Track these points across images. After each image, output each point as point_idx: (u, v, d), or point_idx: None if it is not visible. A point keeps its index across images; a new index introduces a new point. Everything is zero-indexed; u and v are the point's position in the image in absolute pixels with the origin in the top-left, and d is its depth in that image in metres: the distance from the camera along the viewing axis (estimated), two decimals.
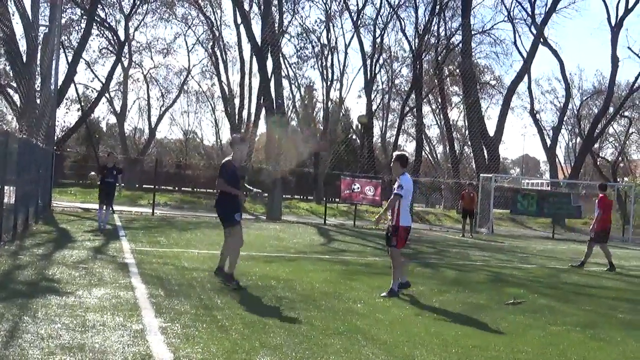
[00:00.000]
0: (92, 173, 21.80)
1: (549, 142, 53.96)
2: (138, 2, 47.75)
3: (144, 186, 48.50)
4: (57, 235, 17.35)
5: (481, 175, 36.19)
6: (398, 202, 10.88)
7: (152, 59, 58.52)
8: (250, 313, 8.49)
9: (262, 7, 37.74)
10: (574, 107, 61.94)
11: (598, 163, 63.25)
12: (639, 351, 7.90)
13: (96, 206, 20.39)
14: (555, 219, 37.35)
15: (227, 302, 9.15)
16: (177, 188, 54.08)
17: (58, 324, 7.11)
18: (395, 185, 11.14)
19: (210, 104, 64.96)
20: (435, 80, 53.06)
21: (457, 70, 50.00)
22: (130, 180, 49.38)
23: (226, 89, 54.91)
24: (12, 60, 34.65)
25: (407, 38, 53.41)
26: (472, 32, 46.76)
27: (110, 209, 20.28)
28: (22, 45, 33.60)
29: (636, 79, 47.84)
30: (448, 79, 55.29)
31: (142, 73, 60.04)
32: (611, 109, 50.55)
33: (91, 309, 7.99)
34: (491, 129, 45.16)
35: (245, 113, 55.21)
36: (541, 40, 45.71)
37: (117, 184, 19.71)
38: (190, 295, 9.49)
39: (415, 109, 53.91)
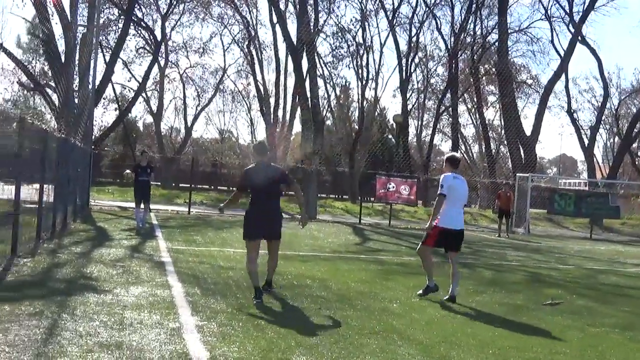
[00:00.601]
0: (127, 171, 21.84)
1: (586, 141, 53.37)
2: (175, 2, 48.06)
3: (180, 185, 48.80)
4: (95, 234, 17.51)
5: (518, 174, 35.88)
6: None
7: (188, 58, 58.88)
8: (286, 312, 8.50)
9: (298, 6, 37.71)
10: (612, 106, 61.31)
11: (637, 163, 62.44)
12: None
13: (133, 205, 20.54)
14: (593, 219, 36.91)
15: (263, 301, 9.16)
16: (212, 187, 54.36)
17: (96, 321, 7.17)
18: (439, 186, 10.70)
19: (246, 103, 65.15)
20: (471, 79, 52.78)
21: (493, 69, 49.59)
22: (167, 179, 49.70)
23: (261, 88, 54.99)
24: (51, 60, 35.10)
25: (442, 37, 53.34)
26: (509, 31, 46.40)
27: (148, 207, 20.27)
28: (61, 46, 34.03)
29: None
30: (484, 78, 54.86)
31: (179, 72, 60.40)
32: None
33: (128, 307, 8.05)
34: (528, 128, 44.86)
35: (280, 112, 55.36)
36: (579, 38, 45.22)
37: (151, 182, 19.80)
38: (226, 294, 9.52)
39: (450, 108, 53.73)
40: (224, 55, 64.36)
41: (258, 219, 9.71)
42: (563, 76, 48.34)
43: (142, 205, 19.54)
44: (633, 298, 12.50)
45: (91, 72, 26.76)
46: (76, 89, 26.85)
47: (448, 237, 10.51)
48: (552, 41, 59.69)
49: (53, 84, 37.36)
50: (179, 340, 6.65)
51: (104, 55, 41.24)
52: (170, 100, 65.26)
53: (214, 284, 10.39)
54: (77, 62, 27.80)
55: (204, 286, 10.04)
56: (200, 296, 9.20)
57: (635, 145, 59.50)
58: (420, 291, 10.64)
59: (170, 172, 52.42)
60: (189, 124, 62.52)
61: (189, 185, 36.79)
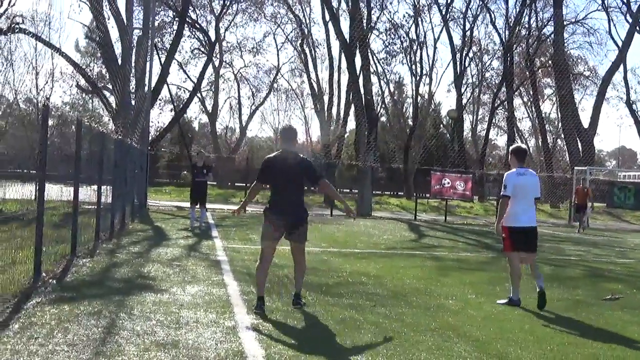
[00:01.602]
0: (185, 172, 22.08)
1: None
2: (228, 3, 48.43)
3: (236, 184, 49.13)
4: (152, 234, 17.72)
5: (575, 168, 35.34)
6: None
7: (242, 58, 59.55)
8: (341, 309, 8.48)
9: (351, 3, 37.70)
10: None
11: None
12: None
13: (188, 205, 20.72)
14: None
15: (318, 298, 9.16)
16: (268, 186, 54.49)
17: (153, 320, 7.25)
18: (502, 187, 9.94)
19: (300, 102, 65.50)
20: (527, 73, 52.11)
21: (549, 62, 48.93)
22: (223, 179, 50.09)
23: (315, 86, 55.21)
24: (108, 63, 35.67)
25: (497, 30, 52.78)
26: (565, 23, 45.70)
27: (204, 207, 20.29)
28: (117, 49, 34.57)
29: None
30: (540, 71, 54.15)
31: (233, 72, 60.94)
32: None
33: (185, 306, 8.12)
34: (585, 121, 44.16)
35: (334, 110, 55.42)
36: (637, 28, 44.33)
37: (208, 182, 19.90)
38: (281, 292, 9.53)
39: (506, 102, 53.07)
40: (278, 54, 64.80)
41: (279, 217, 8.39)
42: (621, 67, 47.59)
43: (197, 206, 19.61)
44: None
45: (147, 74, 27.08)
46: (133, 90, 27.24)
47: (519, 236, 9.63)
48: (609, 32, 59.12)
49: (110, 87, 37.99)
50: (234, 339, 6.68)
51: (159, 57, 41.68)
52: (225, 100, 65.85)
53: (269, 282, 10.35)
54: (133, 64, 28.20)
55: None
56: (256, 295, 9.23)
57: None
58: (502, 301, 9.74)
59: (225, 171, 52.77)
60: (244, 123, 63.12)
61: (244, 185, 36.99)
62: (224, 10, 48.81)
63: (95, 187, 13.75)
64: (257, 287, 8.34)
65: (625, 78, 51.83)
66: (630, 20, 44.51)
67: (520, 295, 9.61)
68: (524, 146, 10.68)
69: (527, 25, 50.16)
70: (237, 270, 11.54)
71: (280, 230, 8.40)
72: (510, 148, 10.41)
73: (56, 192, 12.42)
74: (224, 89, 62.83)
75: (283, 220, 8.37)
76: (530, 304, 9.55)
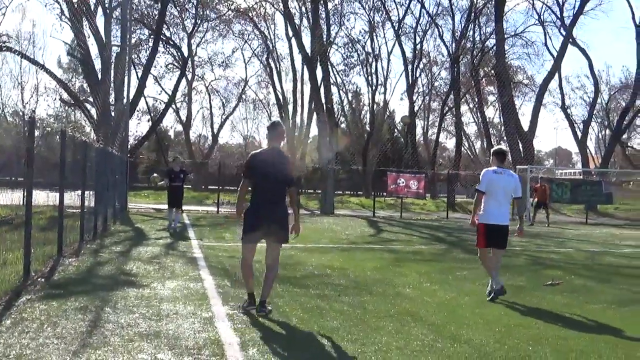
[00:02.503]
0: (155, 175, 21.50)
1: (580, 134, 53.01)
2: (199, 21, 48.21)
3: (209, 187, 48.88)
4: (132, 234, 17.57)
5: (517, 167, 35.68)
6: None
7: (212, 72, 59.99)
8: (308, 299, 8.49)
9: (311, 20, 37.73)
10: (603, 102, 60.89)
11: (627, 152, 62.01)
12: None
13: (166, 207, 20.55)
14: (588, 205, 36.81)
15: (288, 290, 9.15)
16: (239, 188, 54.23)
17: (136, 313, 7.19)
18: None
19: (267, 111, 65.20)
20: (472, 82, 52.51)
21: (492, 72, 49.33)
22: (197, 183, 49.84)
23: (280, 96, 55.13)
24: (89, 78, 35.31)
25: (445, 44, 53.11)
26: (505, 36, 46.09)
27: (180, 210, 19.61)
28: (97, 64, 34.26)
29: None
30: (484, 79, 54.57)
31: (205, 85, 60.73)
32: (638, 102, 49.41)
33: (165, 300, 8.07)
34: (525, 124, 44.53)
35: (298, 118, 55.45)
36: (570, 40, 44.93)
37: (184, 186, 19.23)
38: (253, 284, 9.51)
39: (454, 109, 53.44)
40: (246, 67, 64.47)
41: (260, 216, 7.58)
42: (556, 75, 48.18)
43: (174, 209, 19.01)
44: (628, 276, 12.40)
45: (125, 88, 26.88)
46: (112, 103, 27.02)
47: (492, 233, 9.30)
48: (545, 44, 59.82)
49: (91, 100, 37.62)
50: (211, 329, 6.65)
51: (136, 72, 41.46)
52: (198, 110, 65.59)
53: (237, 276, 10.38)
54: (112, 78, 27.99)
55: (233, 278, 10.03)
56: (230, 287, 9.21)
57: (624, 136, 59.05)
58: (488, 297, 9.12)
59: (199, 175, 52.50)
60: (215, 131, 62.90)
61: (217, 187, 36.81)
62: (195, 28, 48.51)
63: (79, 192, 13.60)
64: (246, 284, 7.78)
65: (560, 85, 52.56)
66: (564, 33, 45.09)
67: (502, 282, 9.16)
68: (504, 148, 10.35)
69: (471, 39, 50.55)
70: (212, 266, 11.49)
71: (262, 230, 7.60)
72: (492, 150, 9.99)
73: (43, 197, 12.27)
74: (196, 100, 62.64)
75: (264, 219, 7.56)
76: (479, 291, 9.63)
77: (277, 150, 7.84)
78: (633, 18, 43.52)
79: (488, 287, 9.33)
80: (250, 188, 7.79)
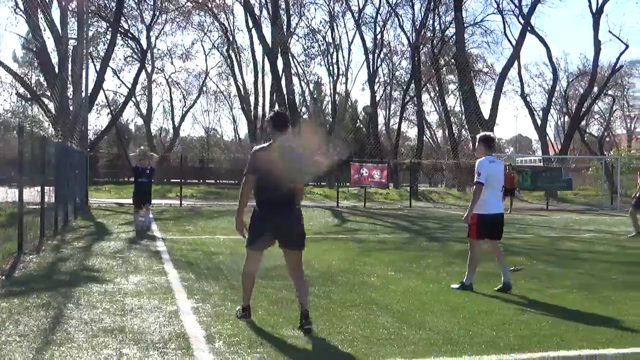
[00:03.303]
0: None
1: (539, 122, 53.62)
2: (158, 13, 47.73)
3: (172, 180, 48.57)
4: (94, 229, 17.39)
5: None
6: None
7: (172, 64, 59.12)
8: (274, 290, 8.49)
9: (271, 11, 37.60)
10: (561, 89, 61.61)
11: (585, 139, 62.93)
12: (631, 309, 7.84)
13: (129, 201, 20.30)
14: (548, 191, 37.32)
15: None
16: (201, 181, 54.10)
17: (99, 309, 7.13)
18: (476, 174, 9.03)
19: (228, 103, 65.02)
20: (433, 71, 52.84)
21: (452, 61, 49.67)
22: (159, 176, 49.54)
23: (242, 88, 54.95)
24: (46, 72, 34.81)
25: (405, 33, 53.35)
26: (465, 25, 46.46)
27: (149, 208, 17.22)
28: (54, 58, 33.77)
29: (617, 59, 47.68)
30: (444, 68, 54.91)
31: (165, 77, 60.22)
32: (596, 89, 50.17)
33: (129, 294, 8.01)
34: (486, 112, 44.95)
35: (260, 109, 55.21)
36: (529, 29, 45.34)
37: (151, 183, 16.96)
38: (218, 277, 9.49)
39: (415, 98, 53.78)
40: (206, 59, 64.02)
41: (268, 219, 6.66)
42: (516, 63, 48.53)
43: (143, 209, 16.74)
44: (588, 261, 12.61)
45: (83, 81, 26.52)
46: (70, 97, 26.66)
47: (489, 224, 8.86)
48: (504, 32, 60.28)
49: (49, 94, 37.10)
50: (176, 322, 6.62)
51: (94, 65, 40.98)
52: (159, 103, 65.12)
53: (206, 269, 10.35)
54: (69, 72, 27.61)
55: (197, 271, 10.00)
56: (194, 281, 9.17)
57: (583, 123, 59.87)
58: (455, 285, 9.04)
59: (161, 169, 52.16)
60: (177, 124, 62.46)
61: (179, 180, 36.61)
62: (154, 20, 47.99)
63: (38, 188, 13.42)
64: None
65: (519, 74, 53.00)
66: (522, 22, 45.49)
67: (472, 281, 8.95)
68: (492, 134, 9.88)
69: (431, 28, 50.86)
70: (176, 259, 11.41)
71: (268, 236, 6.72)
72: (479, 136, 9.48)
73: (2, 194, 12.09)
74: (157, 93, 62.18)
75: (272, 224, 6.65)
76: (443, 278, 9.72)
77: (287, 144, 6.77)
78: (590, 6, 44.11)
79: (465, 279, 9.00)
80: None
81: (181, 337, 6.05)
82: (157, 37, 52.86)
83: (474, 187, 8.99)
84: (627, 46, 49.76)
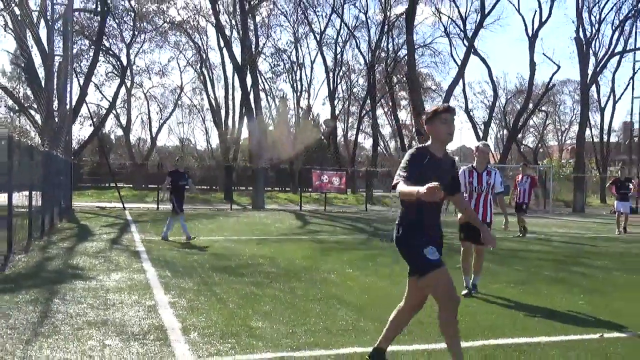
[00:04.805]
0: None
1: (481, 134, 54.21)
2: (137, 32, 47.33)
3: (150, 186, 48.07)
4: (78, 231, 17.16)
5: None
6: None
7: (150, 79, 58.22)
8: (243, 286, 8.48)
9: (241, 32, 37.46)
10: (501, 105, 62.27)
11: (522, 150, 63.86)
12: (563, 301, 8.00)
13: (110, 205, 20.08)
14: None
15: (224, 278, 9.13)
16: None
17: (84, 304, 7.07)
18: (495, 181, 8.83)
19: (201, 115, 64.34)
20: (386, 88, 53.14)
21: (404, 78, 50.02)
22: (138, 182, 49.07)
23: (213, 102, 54.49)
24: (32, 86, 34.24)
25: (362, 53, 53.55)
26: (415, 47, 46.77)
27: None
28: (41, 73, 33.23)
29: (550, 79, 48.43)
30: (397, 86, 55.24)
31: (143, 92, 59.48)
32: (531, 105, 50.83)
33: (111, 290, 7.95)
34: None
35: (230, 121, 55.04)
36: (472, 50, 45.86)
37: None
38: (192, 274, 9.45)
39: (370, 112, 54.04)
40: (181, 75, 63.61)
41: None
42: (460, 82, 49.06)
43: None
44: (524, 259, 12.79)
45: (68, 95, 26.17)
46: (55, 109, 26.27)
47: (465, 227, 8.42)
48: (450, 54, 60.56)
49: (35, 106, 36.53)
50: (155, 315, 6.59)
51: (78, 80, 40.45)
52: (137, 116, 64.88)
53: (182, 267, 10.30)
54: (55, 86, 27.21)
55: (173, 269, 9.95)
56: (171, 277, 9.12)
57: (520, 135, 60.71)
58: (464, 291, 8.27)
59: (140, 175, 51.62)
60: (154, 134, 61.84)
61: (156, 186, 36.30)
62: (134, 39, 47.53)
63: (26, 192, 13.22)
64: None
65: (464, 91, 53.62)
66: (466, 44, 46.00)
67: (471, 283, 8.49)
68: (488, 144, 9.40)
69: (385, 49, 51.20)
70: (154, 258, 11.33)
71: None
72: (476, 145, 9.06)
73: None
74: (135, 106, 61.61)
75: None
76: (396, 275, 9.78)
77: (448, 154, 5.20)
78: (526, 31, 44.74)
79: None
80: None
81: (159, 329, 6.03)
82: (136, 55, 52.20)
83: (502, 195, 9.11)
84: (558, 67, 50.83)
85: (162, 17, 48.06)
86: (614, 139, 66.14)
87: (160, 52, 78.60)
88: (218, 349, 5.41)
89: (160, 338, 5.70)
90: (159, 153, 70.16)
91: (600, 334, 6.23)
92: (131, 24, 46.35)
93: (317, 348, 5.53)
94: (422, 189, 3.92)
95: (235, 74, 42.64)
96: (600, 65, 45.79)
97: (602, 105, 58.51)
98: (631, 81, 49.90)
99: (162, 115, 61.82)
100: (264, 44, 50.34)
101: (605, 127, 59.10)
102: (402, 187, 4.34)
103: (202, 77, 54.90)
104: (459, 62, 46.85)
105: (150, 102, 61.09)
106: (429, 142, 4.67)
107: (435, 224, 4.96)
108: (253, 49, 40.28)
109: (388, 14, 48.83)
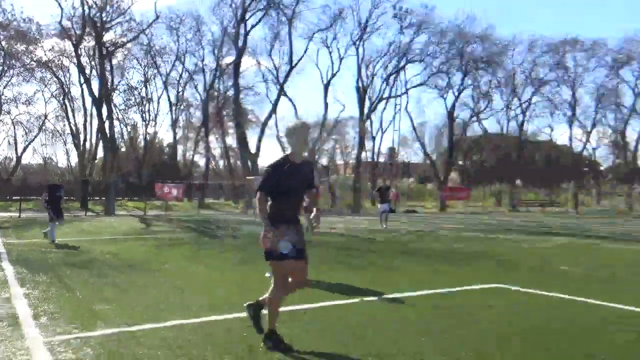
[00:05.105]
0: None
1: None
2: (6, 68, 43.25)
3: (14, 198, 43.66)
4: None
5: (247, 177, 36.33)
6: None
7: (17, 108, 52.68)
8: (91, 278, 8.03)
9: (99, 71, 35.43)
10: None
11: (318, 167, 66.09)
12: (354, 280, 8.35)
13: None
14: None
15: (75, 272, 8.57)
16: (37, 197, 49.11)
17: None
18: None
19: (63, 139, 59.63)
20: (217, 120, 52.86)
21: (231, 112, 49.96)
22: (4, 194, 44.43)
23: (74, 128, 50.92)
24: None
25: (198, 92, 53.14)
26: (241, 88, 46.92)
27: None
28: None
29: (338, 115, 51.12)
30: (225, 117, 54.97)
31: (10, 118, 54.05)
32: (325, 135, 52.73)
33: None
34: (253, 149, 45.68)
35: (88, 144, 51.73)
36: (282, 92, 46.90)
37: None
38: (47, 270, 8.76)
39: (204, 137, 53.48)
40: (45, 105, 58.24)
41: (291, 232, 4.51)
42: (274, 116, 49.92)
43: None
44: (323, 247, 13.22)
45: None
46: None
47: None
48: (267, 94, 61.13)
49: None
50: (9, 306, 6.07)
51: None
52: (4, 138, 58.21)
53: (38, 264, 9.50)
54: None
55: (30, 267, 9.15)
56: (27, 273, 8.40)
57: (316, 156, 62.88)
58: None
59: (6, 189, 46.75)
60: (19, 154, 56.35)
61: (19, 198, 33.17)
62: (3, 73, 43.23)
63: None
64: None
65: (276, 123, 54.37)
66: (278, 88, 46.91)
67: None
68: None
69: (217, 89, 51.08)
70: (13, 258, 10.34)
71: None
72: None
73: None
74: (3, 130, 55.63)
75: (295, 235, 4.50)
76: (219, 265, 9.73)
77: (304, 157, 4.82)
78: (322, 79, 46.73)
79: None
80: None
81: (12, 316, 5.56)
82: (5, 87, 47.42)
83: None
84: (344, 106, 53.41)
85: (29, 56, 44.23)
86: (382, 159, 70.46)
87: (27, 85, 71.43)
88: (64, 329, 5.10)
89: (13, 324, 5.26)
90: (23, 170, 64.02)
91: (360, 299, 6.65)
92: (1, 61, 42.10)
93: (150, 323, 5.38)
94: (262, 232, 4.35)
95: (94, 106, 40.15)
96: (373, 106, 49.04)
97: (374, 135, 62.21)
98: (393, 119, 53.81)
99: (27, 137, 56.50)
100: (119, 82, 47.89)
101: (376, 150, 62.96)
102: (258, 203, 4.49)
103: (64, 107, 51.15)
104: (273, 101, 47.71)
105: (17, 127, 55.57)
106: (289, 152, 4.62)
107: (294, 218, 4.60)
108: (109, 86, 38.24)
109: (220, 62, 48.93)
